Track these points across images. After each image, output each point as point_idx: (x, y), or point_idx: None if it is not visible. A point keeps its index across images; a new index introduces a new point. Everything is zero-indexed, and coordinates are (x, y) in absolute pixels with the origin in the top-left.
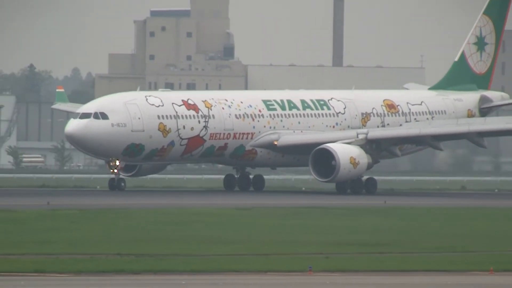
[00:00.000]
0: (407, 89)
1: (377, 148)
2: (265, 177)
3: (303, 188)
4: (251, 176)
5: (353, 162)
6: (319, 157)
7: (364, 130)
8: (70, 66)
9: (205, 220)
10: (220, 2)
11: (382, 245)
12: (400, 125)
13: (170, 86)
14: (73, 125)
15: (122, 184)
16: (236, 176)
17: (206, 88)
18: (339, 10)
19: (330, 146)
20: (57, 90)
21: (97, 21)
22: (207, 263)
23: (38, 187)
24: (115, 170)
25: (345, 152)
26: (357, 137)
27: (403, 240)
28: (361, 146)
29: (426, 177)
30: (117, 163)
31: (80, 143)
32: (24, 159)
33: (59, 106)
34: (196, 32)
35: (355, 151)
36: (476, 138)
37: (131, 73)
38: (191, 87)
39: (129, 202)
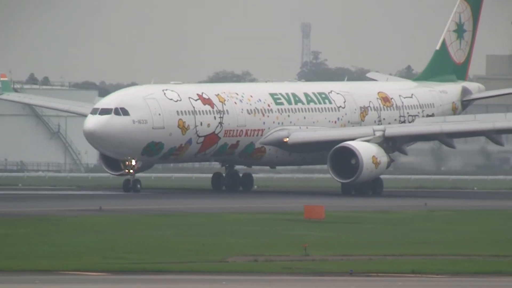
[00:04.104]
0: (373, 79)
1: (392, 145)
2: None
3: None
4: (240, 175)
5: (375, 162)
6: (336, 156)
7: (381, 127)
8: None
9: None
10: None
11: None
12: (395, 119)
13: None
14: (93, 122)
15: (138, 185)
16: (223, 174)
17: None
18: None
19: (352, 144)
20: (1, 79)
21: None
22: None
23: (414, 188)
24: (131, 171)
25: (367, 150)
26: (374, 134)
27: None
28: (379, 144)
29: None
30: (133, 162)
31: (100, 141)
32: None
33: (7, 96)
34: None
35: (375, 150)
36: (496, 135)
37: (509, 75)
38: None
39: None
